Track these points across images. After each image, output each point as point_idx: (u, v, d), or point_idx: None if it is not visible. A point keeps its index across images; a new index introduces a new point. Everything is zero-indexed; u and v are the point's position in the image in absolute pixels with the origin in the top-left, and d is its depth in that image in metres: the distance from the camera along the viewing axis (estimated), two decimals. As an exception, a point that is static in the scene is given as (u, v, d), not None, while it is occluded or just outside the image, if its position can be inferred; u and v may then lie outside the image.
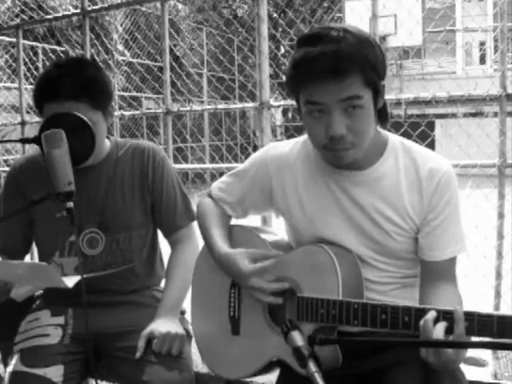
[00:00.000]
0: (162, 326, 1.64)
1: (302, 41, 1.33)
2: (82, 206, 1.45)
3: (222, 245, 1.52)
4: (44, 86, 1.64)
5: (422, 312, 1.19)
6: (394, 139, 1.44)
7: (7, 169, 1.87)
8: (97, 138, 1.59)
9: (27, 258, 1.99)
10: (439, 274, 1.38)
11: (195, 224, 1.76)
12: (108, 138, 1.81)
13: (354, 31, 1.30)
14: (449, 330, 1.15)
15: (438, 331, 1.15)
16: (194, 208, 1.77)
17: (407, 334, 1.32)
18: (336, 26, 1.31)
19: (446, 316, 1.16)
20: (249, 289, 1.45)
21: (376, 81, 1.31)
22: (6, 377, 1.61)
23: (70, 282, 1.43)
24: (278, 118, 16.05)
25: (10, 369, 1.62)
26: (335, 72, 1.25)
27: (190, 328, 1.78)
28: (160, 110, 3.37)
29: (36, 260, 2.00)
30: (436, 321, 1.16)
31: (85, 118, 1.57)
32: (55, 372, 1.61)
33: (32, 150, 1.85)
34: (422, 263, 1.43)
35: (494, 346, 1.13)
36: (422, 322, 1.17)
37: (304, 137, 1.54)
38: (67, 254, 1.75)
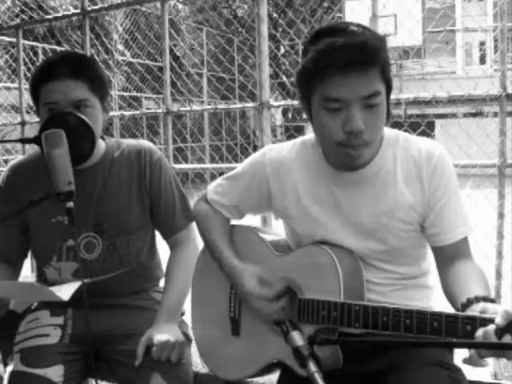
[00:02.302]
0: (161, 333, 1.62)
1: (320, 33, 1.30)
2: (78, 209, 1.43)
3: (229, 257, 1.53)
4: (41, 69, 1.64)
5: (423, 315, 1.17)
6: (389, 133, 1.45)
7: (7, 169, 1.83)
8: (94, 124, 1.59)
9: (27, 264, 1.96)
10: (455, 256, 1.38)
11: (194, 225, 1.75)
12: (103, 138, 1.79)
13: (367, 27, 1.31)
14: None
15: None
16: (193, 209, 1.76)
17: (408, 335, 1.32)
18: (349, 22, 1.32)
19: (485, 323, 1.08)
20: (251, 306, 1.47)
21: (390, 76, 1.32)
22: (6, 376, 1.61)
23: (66, 294, 1.40)
24: (278, 118, 16.05)
25: (10, 369, 1.62)
26: (362, 63, 1.24)
27: (190, 331, 1.77)
28: (160, 110, 3.37)
29: (34, 265, 1.98)
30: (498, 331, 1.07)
31: (85, 118, 1.56)
32: (55, 372, 1.60)
33: (32, 149, 1.84)
34: (436, 250, 1.42)
35: (494, 346, 1.12)
36: (480, 333, 1.08)
37: (301, 138, 1.53)
38: (65, 258, 1.73)
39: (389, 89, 1.33)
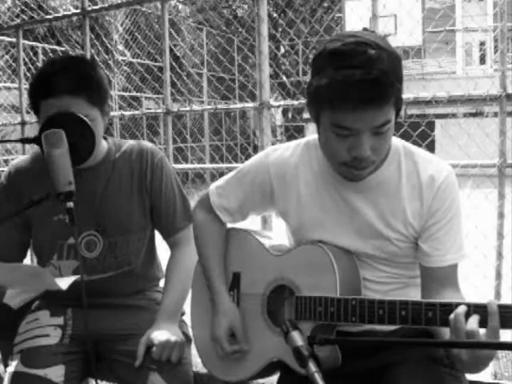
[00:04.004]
0: (161, 332, 1.62)
1: (333, 55, 1.24)
2: (80, 208, 1.45)
3: (221, 293, 1.56)
4: (39, 83, 1.62)
5: (419, 306, 1.18)
6: (396, 143, 1.43)
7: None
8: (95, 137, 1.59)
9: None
10: (440, 281, 1.36)
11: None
12: (105, 138, 1.79)
13: (385, 46, 1.24)
14: (482, 324, 1.12)
15: (472, 324, 1.11)
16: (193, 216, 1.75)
17: (409, 333, 1.32)
18: (367, 38, 1.24)
19: (478, 310, 1.14)
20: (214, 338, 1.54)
21: (401, 99, 1.29)
22: (7, 377, 1.61)
23: (64, 283, 1.41)
24: (278, 118, 16.06)
25: (10, 369, 1.62)
26: (376, 101, 1.21)
27: (190, 331, 1.78)
28: (160, 110, 3.37)
29: (34, 264, 1.98)
30: (467, 315, 1.13)
31: (85, 118, 1.56)
32: (56, 372, 1.60)
33: (32, 149, 1.84)
34: (423, 269, 1.40)
35: (494, 346, 1.12)
36: (452, 316, 1.14)
37: (305, 139, 1.52)
38: (65, 256, 1.73)
39: (398, 110, 1.31)
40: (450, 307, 1.16)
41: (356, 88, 1.19)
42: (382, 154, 1.33)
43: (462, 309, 1.14)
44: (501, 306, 1.12)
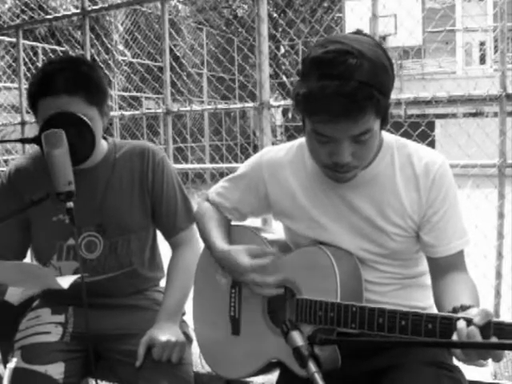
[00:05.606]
0: (162, 333, 1.62)
1: (315, 63, 1.23)
2: (80, 208, 1.45)
3: (220, 242, 1.54)
4: (38, 82, 1.62)
5: (419, 317, 1.17)
6: (388, 137, 1.44)
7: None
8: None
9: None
10: (448, 268, 1.37)
11: (196, 226, 1.76)
12: (105, 138, 1.79)
13: (370, 55, 1.22)
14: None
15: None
16: (195, 209, 1.76)
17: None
18: (352, 46, 1.21)
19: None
20: (248, 283, 1.46)
21: (387, 107, 1.28)
22: (7, 373, 1.61)
23: (66, 282, 1.41)
24: (278, 118, 16.05)
25: (11, 365, 1.62)
26: (352, 114, 1.21)
27: (190, 331, 1.78)
28: (160, 110, 3.37)
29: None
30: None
31: (85, 118, 1.56)
32: (56, 369, 1.61)
33: (32, 149, 1.84)
34: (429, 260, 1.42)
35: (494, 346, 1.12)
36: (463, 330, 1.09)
37: (299, 140, 1.53)
38: (65, 257, 1.73)
39: (385, 116, 1.30)
40: (450, 320, 1.13)
41: (330, 101, 1.19)
42: (364, 160, 1.33)
43: (462, 324, 1.10)
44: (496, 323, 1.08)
